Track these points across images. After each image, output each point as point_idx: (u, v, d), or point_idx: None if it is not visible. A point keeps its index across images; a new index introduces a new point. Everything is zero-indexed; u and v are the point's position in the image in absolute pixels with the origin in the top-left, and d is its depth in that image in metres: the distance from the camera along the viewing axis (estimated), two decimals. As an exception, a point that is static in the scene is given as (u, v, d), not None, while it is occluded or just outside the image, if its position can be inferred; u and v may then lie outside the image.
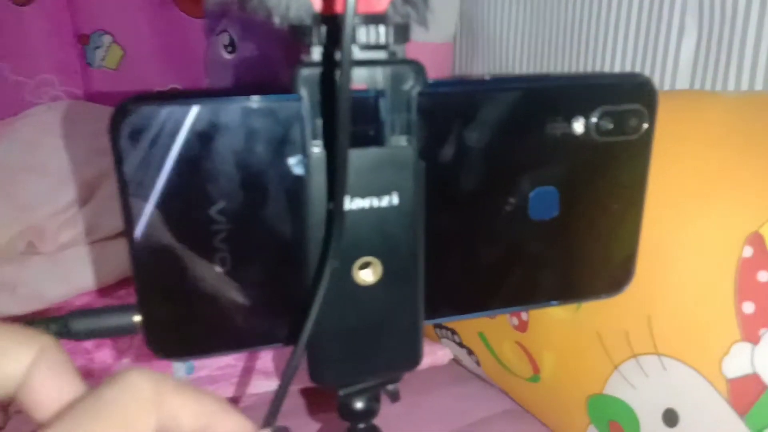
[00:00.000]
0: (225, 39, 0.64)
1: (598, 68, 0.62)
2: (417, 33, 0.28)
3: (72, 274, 0.56)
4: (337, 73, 0.22)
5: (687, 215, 0.38)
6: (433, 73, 0.25)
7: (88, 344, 0.47)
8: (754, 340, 0.35)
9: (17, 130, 0.66)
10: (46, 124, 0.65)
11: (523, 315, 0.47)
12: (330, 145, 0.23)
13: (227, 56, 0.64)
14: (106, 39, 0.83)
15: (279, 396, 0.24)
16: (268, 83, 0.24)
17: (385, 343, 0.26)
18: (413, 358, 0.27)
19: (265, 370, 0.47)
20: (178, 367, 0.46)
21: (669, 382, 0.38)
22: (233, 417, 0.22)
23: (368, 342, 0.26)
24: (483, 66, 0.72)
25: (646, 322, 0.39)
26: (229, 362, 0.47)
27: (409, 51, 0.24)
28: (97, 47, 0.83)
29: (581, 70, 0.62)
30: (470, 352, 0.55)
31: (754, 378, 0.35)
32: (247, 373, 0.47)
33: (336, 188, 0.22)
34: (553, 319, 0.45)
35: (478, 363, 0.55)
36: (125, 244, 0.24)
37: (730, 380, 0.36)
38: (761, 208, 0.36)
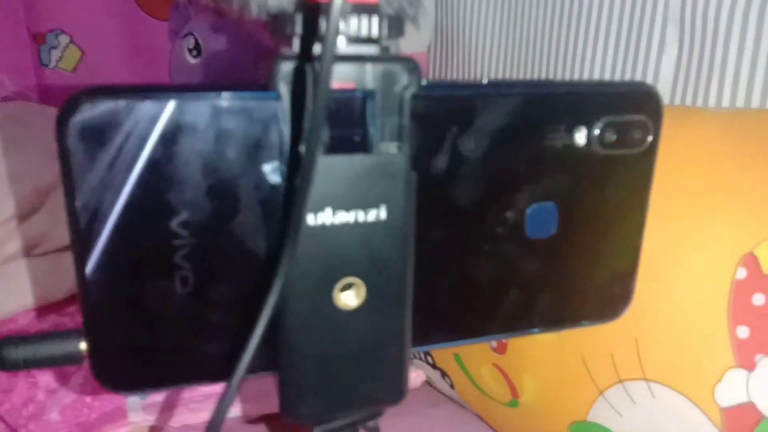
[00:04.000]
0: (190, 42, 0.61)
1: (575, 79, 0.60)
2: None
3: (17, 289, 0.52)
4: (317, 67, 0.19)
5: (677, 235, 0.36)
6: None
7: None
8: (749, 366, 0.33)
9: (-39, 131, 0.61)
10: (-7, 125, 0.61)
11: (505, 337, 0.45)
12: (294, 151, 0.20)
13: (192, 60, 0.61)
14: (63, 39, 0.78)
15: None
16: (240, 81, 0.21)
17: (367, 373, 0.23)
18: (398, 390, 0.24)
19: (244, 393, 0.44)
20: (132, 393, 0.42)
21: (658, 409, 0.36)
22: None
23: (349, 373, 0.23)
24: (457, 76, 0.71)
25: (633, 345, 0.37)
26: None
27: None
28: (53, 47, 0.78)
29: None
30: (444, 375, 0.52)
31: (749, 407, 0.33)
32: (206, 398, 0.43)
33: (296, 205, 0.19)
34: (535, 341, 0.42)
35: (452, 386, 0.52)
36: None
37: (723, 409, 0.34)
38: (755, 227, 0.35)
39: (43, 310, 0.54)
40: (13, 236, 0.54)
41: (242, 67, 0.59)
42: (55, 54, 0.78)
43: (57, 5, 0.77)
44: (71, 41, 0.78)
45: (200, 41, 0.59)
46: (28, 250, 0.55)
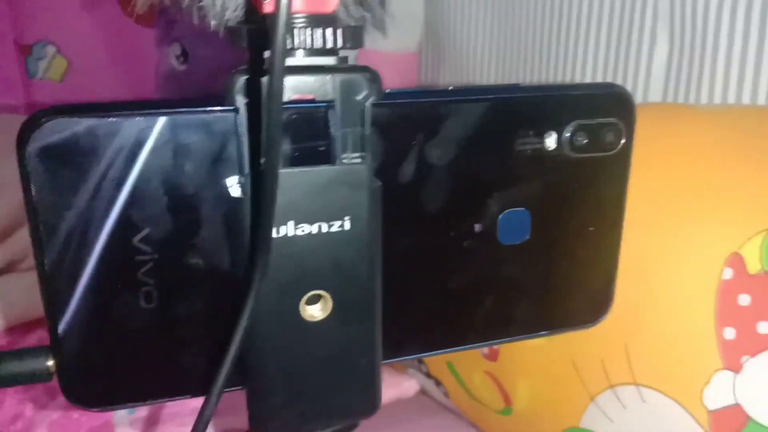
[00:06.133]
0: (176, 49, 0.60)
1: (567, 79, 0.60)
2: (380, 42, 0.26)
3: (5, 303, 0.52)
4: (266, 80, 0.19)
5: (663, 236, 0.36)
6: (398, 84, 0.22)
7: None
8: (736, 368, 0.33)
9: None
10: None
11: (493, 343, 0.44)
12: (256, 165, 0.20)
13: (180, 67, 0.60)
14: (50, 49, 0.78)
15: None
16: (204, 95, 0.21)
17: (338, 386, 0.23)
18: (370, 403, 0.24)
19: (215, 411, 0.43)
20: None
21: (648, 414, 0.36)
22: None
23: (318, 386, 0.22)
24: (449, 76, 0.70)
25: (623, 350, 0.37)
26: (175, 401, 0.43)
27: (372, 61, 0.22)
28: (40, 58, 0.77)
29: (550, 80, 0.61)
30: (438, 383, 0.52)
31: (736, 409, 0.33)
32: (194, 412, 0.43)
33: (262, 220, 0.18)
34: (526, 348, 0.42)
35: (446, 394, 0.52)
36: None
37: (711, 412, 0.33)
38: (741, 227, 0.34)
39: (31, 324, 0.54)
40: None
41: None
42: (42, 64, 0.78)
43: (43, 16, 0.76)
44: (58, 51, 0.78)
45: (187, 48, 0.59)
46: (14, 265, 0.55)
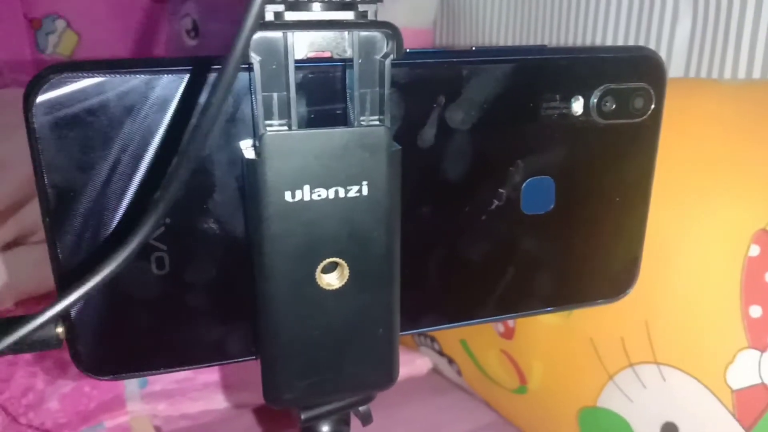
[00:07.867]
0: (188, 24, 0.59)
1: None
2: (395, 18, 0.25)
3: (15, 276, 0.52)
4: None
5: (688, 211, 0.35)
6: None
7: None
8: (762, 347, 0.32)
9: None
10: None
11: (510, 321, 0.43)
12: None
13: (190, 42, 0.60)
14: (60, 24, 0.77)
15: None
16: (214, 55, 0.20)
17: (353, 357, 0.22)
18: (387, 375, 0.23)
19: (227, 384, 0.43)
20: (130, 381, 0.42)
21: (669, 393, 0.35)
22: None
23: (334, 356, 0.22)
24: (464, 53, 0.69)
25: (643, 327, 0.36)
26: (187, 375, 0.43)
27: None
28: (50, 32, 0.77)
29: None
30: (451, 361, 0.51)
31: (761, 388, 0.32)
32: (206, 387, 0.43)
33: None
34: (542, 325, 0.41)
35: (459, 373, 0.51)
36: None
37: (735, 391, 0.32)
38: (767, 203, 0.33)
39: (42, 297, 0.53)
40: (13, 222, 0.54)
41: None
42: (52, 39, 0.77)
43: (52, -12, 0.76)
44: (68, 25, 0.77)
45: (198, 22, 0.58)
46: (25, 238, 0.55)
